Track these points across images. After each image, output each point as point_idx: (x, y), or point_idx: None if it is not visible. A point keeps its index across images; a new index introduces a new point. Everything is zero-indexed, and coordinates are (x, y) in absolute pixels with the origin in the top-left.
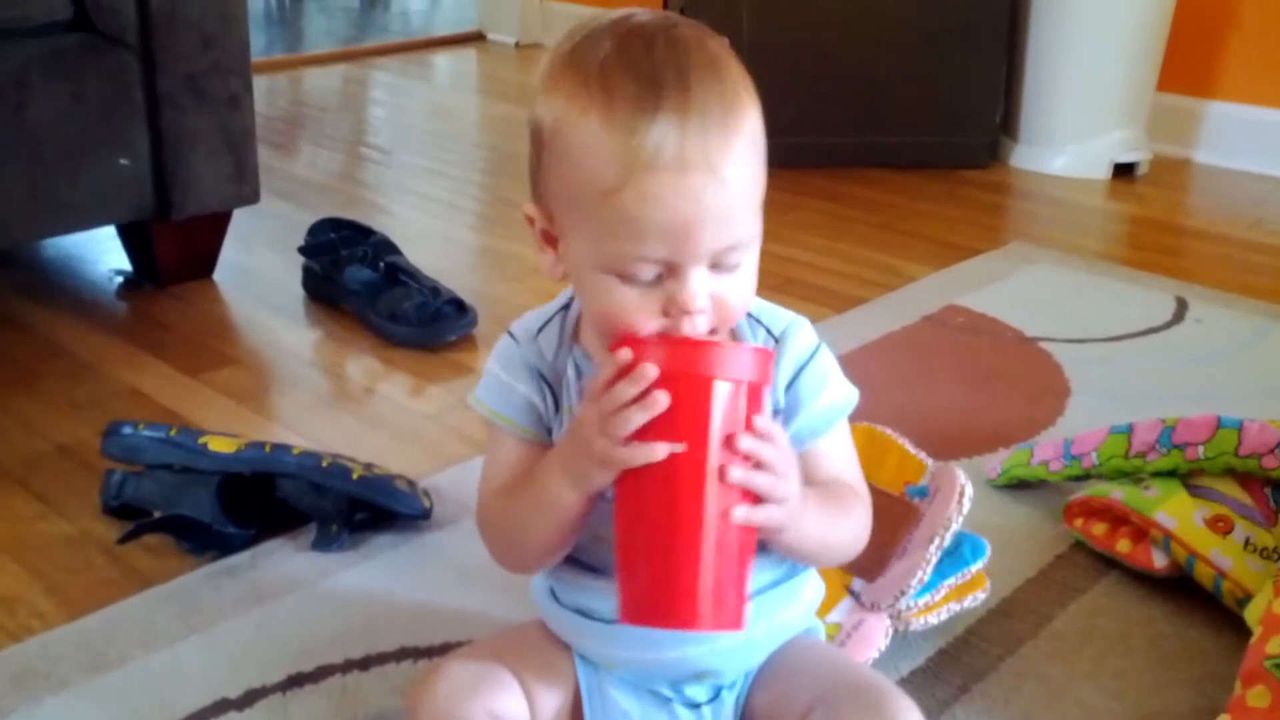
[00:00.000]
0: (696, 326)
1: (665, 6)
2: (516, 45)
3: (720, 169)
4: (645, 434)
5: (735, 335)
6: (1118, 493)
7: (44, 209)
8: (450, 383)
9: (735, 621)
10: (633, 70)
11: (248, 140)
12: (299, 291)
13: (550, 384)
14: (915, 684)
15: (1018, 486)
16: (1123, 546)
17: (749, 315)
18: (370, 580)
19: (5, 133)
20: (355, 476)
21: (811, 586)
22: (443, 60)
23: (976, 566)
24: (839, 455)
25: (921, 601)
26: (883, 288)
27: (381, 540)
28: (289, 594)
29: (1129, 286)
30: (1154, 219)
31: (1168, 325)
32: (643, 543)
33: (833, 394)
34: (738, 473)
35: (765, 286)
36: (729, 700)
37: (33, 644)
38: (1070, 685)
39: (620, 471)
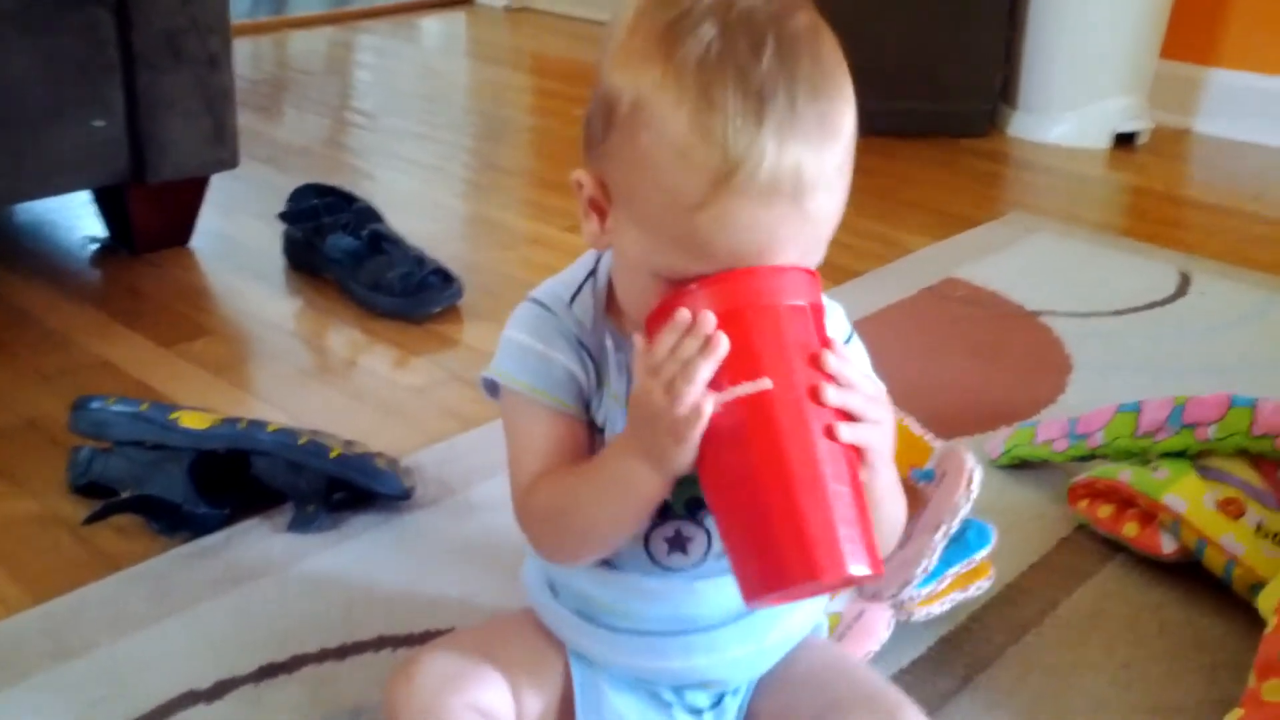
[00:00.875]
0: None
1: None
2: (506, 9)
3: (805, 202)
4: (718, 387)
5: None
6: (1125, 474)
7: (14, 172)
8: (435, 355)
9: (876, 562)
10: (739, 77)
11: (227, 101)
12: (280, 260)
13: (592, 355)
14: (917, 674)
15: (1020, 466)
16: (1130, 530)
17: None
18: (348, 564)
19: None
20: (333, 455)
21: None
22: (431, 23)
23: (982, 554)
24: None
25: (925, 591)
26: (880, 259)
27: (361, 521)
28: (263, 578)
29: (1131, 258)
30: (1155, 190)
31: (1171, 299)
32: (752, 503)
33: None
34: (833, 392)
35: None
36: (732, 707)
37: None
38: (1077, 675)
39: (702, 442)
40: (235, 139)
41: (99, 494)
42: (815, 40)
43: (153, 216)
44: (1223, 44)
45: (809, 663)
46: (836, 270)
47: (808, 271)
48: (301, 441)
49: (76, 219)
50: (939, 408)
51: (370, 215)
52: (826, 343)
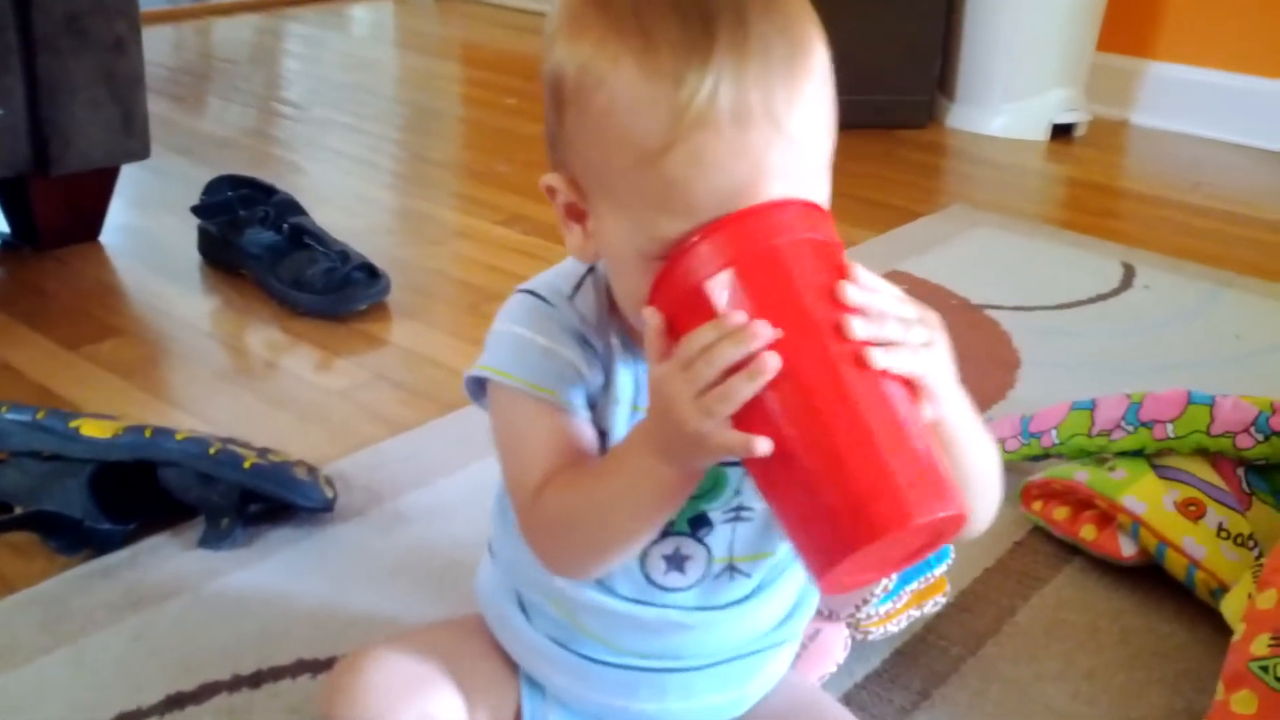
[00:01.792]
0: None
1: None
2: None
3: (786, 123)
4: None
5: None
6: (1082, 474)
7: None
8: (360, 356)
9: (957, 499)
10: (677, 7)
11: (136, 88)
12: (194, 256)
13: (598, 352)
14: (872, 691)
15: None
16: (1087, 533)
17: None
18: (265, 582)
19: None
20: (247, 465)
21: (798, 634)
22: (360, 12)
23: (939, 570)
24: None
25: (883, 609)
26: None
27: (278, 535)
28: (171, 599)
29: (1074, 251)
30: (1094, 181)
31: (1116, 292)
32: (803, 466)
33: None
34: (860, 325)
35: None
36: None
37: None
38: (1038, 688)
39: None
40: (146, 128)
41: None
42: None
43: (58, 210)
44: (1158, 37)
45: (773, 705)
46: None
47: (809, 204)
48: (213, 450)
49: None
50: None
51: (291, 208)
52: (844, 273)
